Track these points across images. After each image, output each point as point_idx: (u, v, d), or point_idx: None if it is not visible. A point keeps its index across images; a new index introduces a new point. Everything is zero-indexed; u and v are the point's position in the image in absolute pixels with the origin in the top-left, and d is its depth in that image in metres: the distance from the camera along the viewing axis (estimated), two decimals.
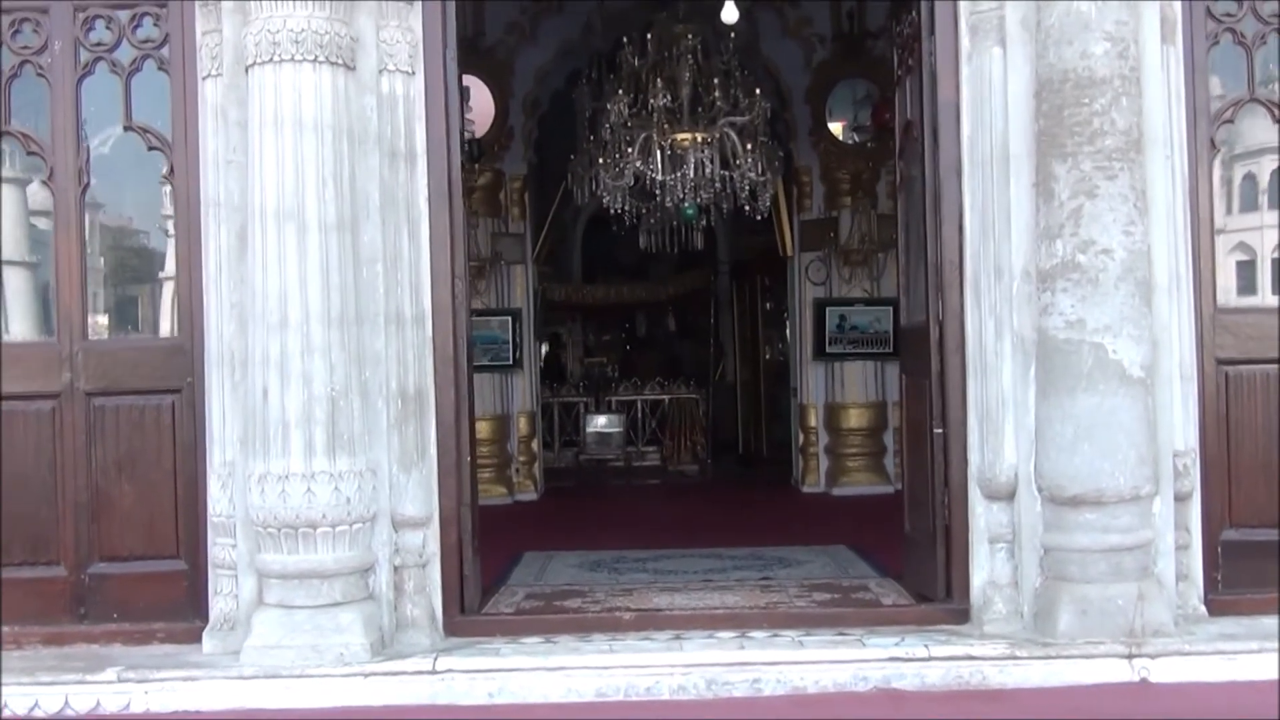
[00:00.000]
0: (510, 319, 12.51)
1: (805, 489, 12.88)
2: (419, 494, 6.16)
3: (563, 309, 19.01)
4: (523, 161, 12.77)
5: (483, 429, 12.37)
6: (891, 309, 12.53)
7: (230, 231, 6.08)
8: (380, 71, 6.15)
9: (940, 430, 6.38)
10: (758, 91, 8.72)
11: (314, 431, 5.75)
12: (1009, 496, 6.12)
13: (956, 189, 6.30)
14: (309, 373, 5.75)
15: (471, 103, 12.22)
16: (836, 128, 12.41)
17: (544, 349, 20.41)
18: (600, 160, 8.83)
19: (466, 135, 11.31)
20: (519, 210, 12.79)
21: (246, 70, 5.93)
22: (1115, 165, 5.78)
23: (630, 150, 8.38)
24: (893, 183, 12.94)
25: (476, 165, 9.99)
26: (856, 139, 12.30)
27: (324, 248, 5.81)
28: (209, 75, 6.16)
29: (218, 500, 6.11)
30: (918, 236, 6.79)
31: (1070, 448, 5.77)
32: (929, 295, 6.46)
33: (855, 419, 12.60)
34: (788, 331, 15.79)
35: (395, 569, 6.13)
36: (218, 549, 6.12)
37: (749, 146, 8.44)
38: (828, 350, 12.63)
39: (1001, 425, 6.11)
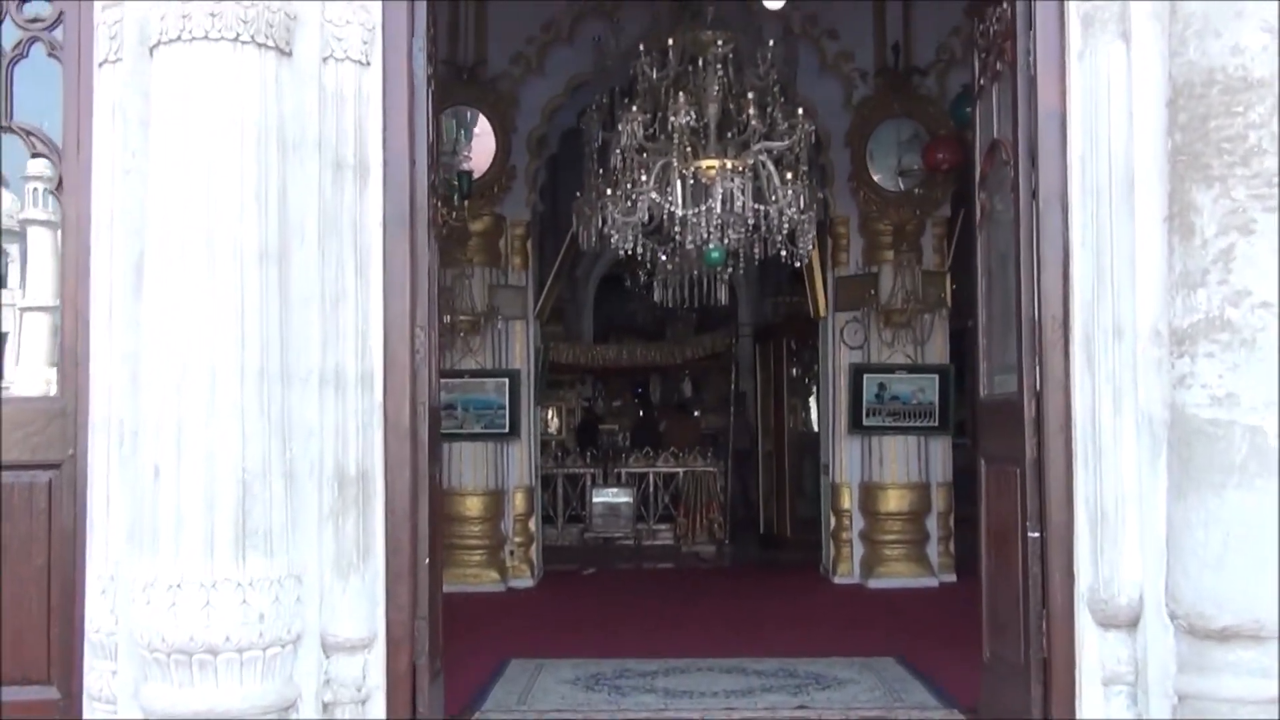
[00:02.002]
0: (507, 381, 11.10)
1: (837, 579, 11.37)
2: (359, 607, 4.74)
3: (570, 371, 17.59)
4: (526, 206, 11.42)
5: (473, 506, 11.00)
6: (938, 377, 11.16)
7: (126, 261, 4.71)
8: (325, 59, 4.82)
9: (1037, 534, 4.95)
10: (800, 112, 7.31)
11: (217, 524, 4.34)
12: (1131, 625, 4.68)
13: (1061, 224, 4.91)
14: (213, 446, 4.35)
15: (475, 136, 11.04)
16: (879, 174, 11.04)
17: (579, 416, 19.14)
18: (609, 192, 7.43)
19: (458, 163, 10.10)
20: (521, 260, 11.42)
21: (151, 52, 4.58)
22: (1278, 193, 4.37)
23: (645, 179, 6.98)
24: (942, 235, 11.76)
25: (466, 202, 8.65)
26: (902, 185, 10.92)
27: (242, 283, 4.44)
28: (106, 60, 4.84)
29: (98, 612, 4.71)
30: (1002, 285, 5.42)
31: (1217, 562, 4.30)
32: (1022, 360, 5.05)
33: (895, 501, 11.13)
34: (817, 401, 14.40)
35: (325, 707, 4.68)
36: (94, 676, 4.69)
37: (789, 176, 7.02)
38: (865, 423, 11.19)
39: (1121, 530, 4.68)
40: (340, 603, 4.69)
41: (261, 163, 4.51)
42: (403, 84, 4.97)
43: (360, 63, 4.86)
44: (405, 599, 4.86)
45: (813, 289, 11.76)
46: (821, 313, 11.70)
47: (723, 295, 9.41)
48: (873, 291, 11.07)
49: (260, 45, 4.53)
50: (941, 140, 10.30)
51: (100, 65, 4.85)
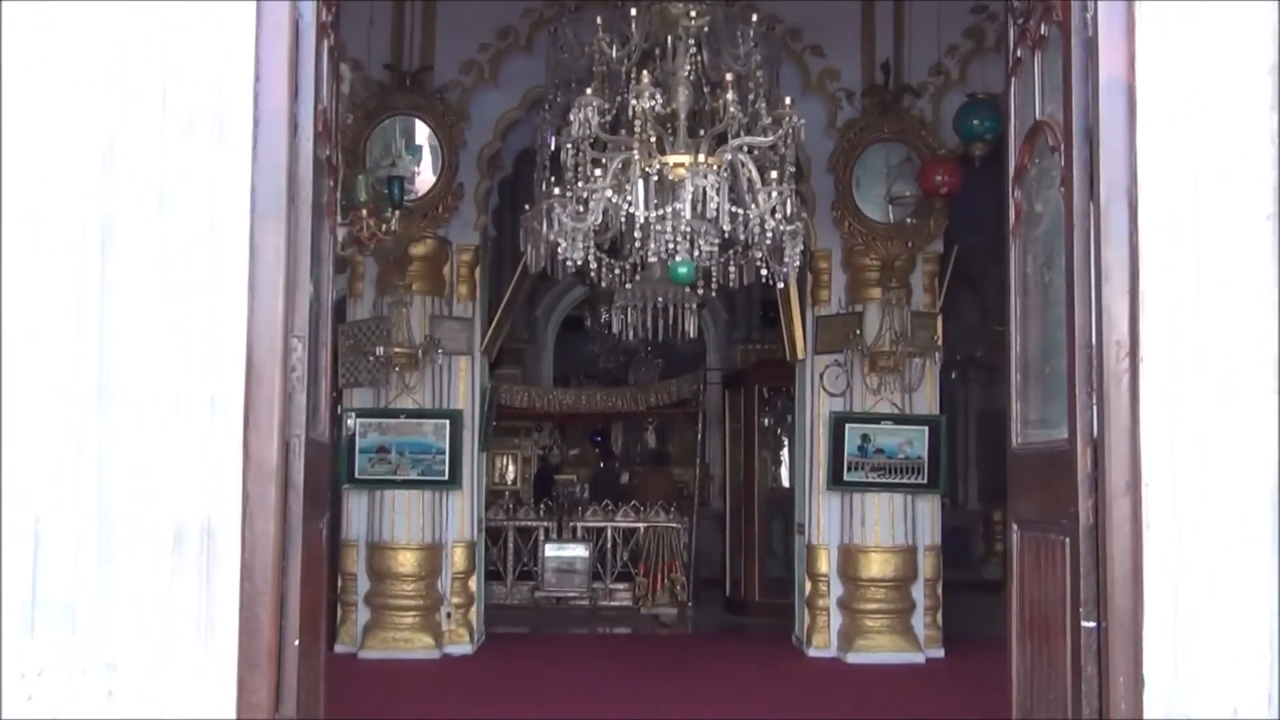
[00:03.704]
0: (448, 423, 9.89)
1: (812, 651, 10.18)
2: (198, 705, 3.54)
3: (526, 417, 16.40)
4: (474, 229, 10.30)
5: (405, 562, 9.79)
6: (927, 429, 10.06)
7: None
8: None
9: (1094, 624, 3.80)
10: (789, 101, 6.16)
11: None
12: None
13: (1128, 223, 3.80)
14: None
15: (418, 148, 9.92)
16: (866, 203, 9.97)
17: (535, 465, 17.93)
18: (557, 191, 6.24)
19: (392, 171, 8.94)
20: (467, 289, 10.27)
21: None
22: None
23: (599, 174, 5.81)
24: (934, 272, 10.65)
25: (395, 211, 7.50)
26: (892, 215, 9.84)
27: (44, 269, 3.26)
28: None
29: None
30: (1043, 305, 4.31)
31: None
32: (1074, 399, 3.92)
33: (879, 566, 9.97)
34: (789, 452, 13.26)
35: None
36: None
37: (773, 176, 5.87)
38: (845, 478, 10.04)
39: (1212, 624, 3.54)
40: (171, 699, 3.49)
41: (79, 109, 3.36)
42: (283, 25, 3.82)
43: None
44: (263, 696, 3.66)
45: (789, 329, 10.65)
46: (799, 355, 10.58)
47: (691, 328, 8.25)
48: (857, 332, 9.97)
49: None
50: (940, 161, 9.24)
51: None
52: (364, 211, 7.23)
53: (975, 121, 8.80)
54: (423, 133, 9.80)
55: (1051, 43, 4.21)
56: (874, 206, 9.98)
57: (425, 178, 9.78)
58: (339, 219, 7.32)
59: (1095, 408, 3.83)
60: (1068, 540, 3.93)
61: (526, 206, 7.05)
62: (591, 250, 6.14)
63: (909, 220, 9.71)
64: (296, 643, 3.78)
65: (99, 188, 3.45)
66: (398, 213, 7.59)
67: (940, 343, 10.18)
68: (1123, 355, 3.77)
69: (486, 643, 10.65)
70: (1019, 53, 4.49)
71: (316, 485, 4.10)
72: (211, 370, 3.61)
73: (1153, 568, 3.68)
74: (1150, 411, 3.71)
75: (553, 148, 6.70)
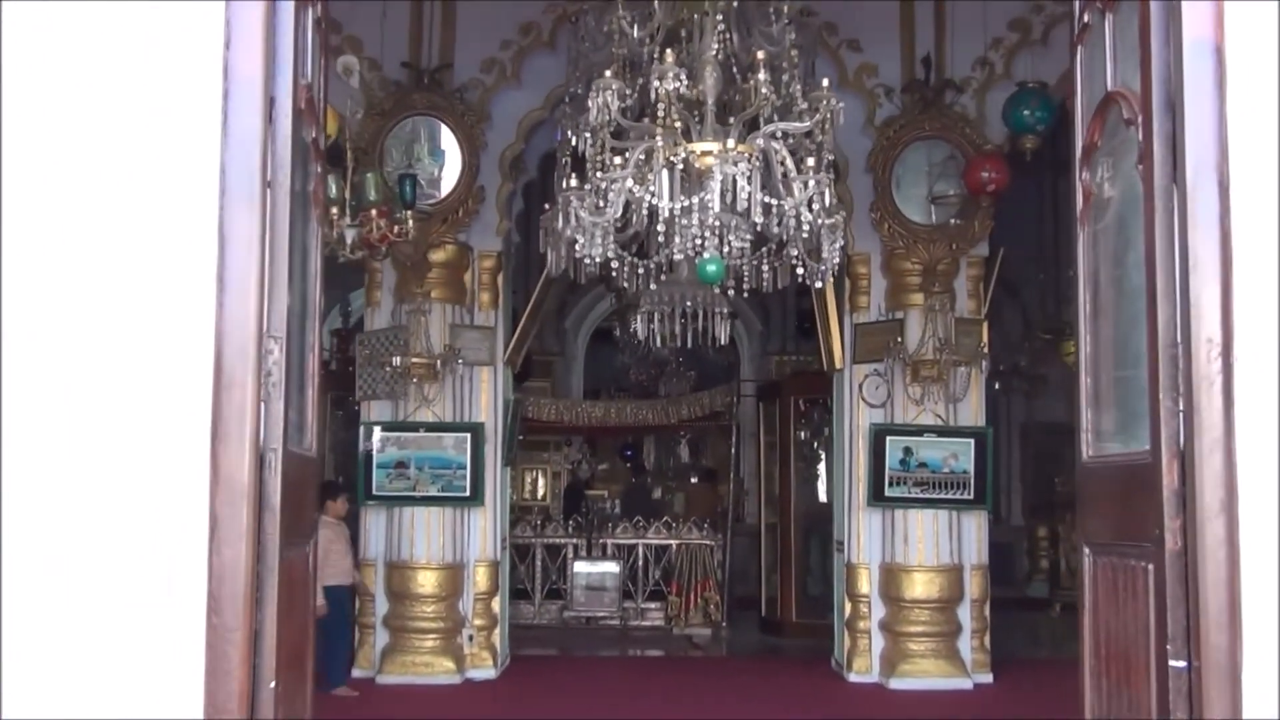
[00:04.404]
0: (469, 437, 9.46)
1: (853, 677, 9.67)
2: None
3: (555, 431, 15.96)
4: (497, 235, 9.90)
5: (425, 582, 9.36)
6: (973, 442, 9.55)
7: None
8: None
9: (1184, 664, 3.30)
10: (826, 83, 5.67)
11: None
12: None
13: (1218, 204, 3.32)
14: None
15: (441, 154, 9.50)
16: (906, 204, 9.49)
17: (564, 480, 17.47)
18: (574, 183, 5.77)
19: (407, 171, 8.48)
20: (489, 296, 9.85)
21: None
22: None
23: (620, 165, 5.34)
24: (978, 277, 10.12)
25: (408, 212, 7.06)
26: (934, 216, 9.36)
27: None
28: None
29: None
30: (1117, 301, 3.83)
31: None
32: (1157, 405, 3.42)
33: (923, 587, 9.46)
34: (828, 467, 12.78)
35: None
36: None
37: (809, 163, 5.37)
38: (887, 493, 9.55)
39: None
40: None
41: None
42: None
43: None
44: None
45: (827, 337, 10.18)
46: (837, 365, 10.11)
47: (723, 335, 7.76)
48: (898, 340, 9.48)
49: None
50: (987, 157, 8.74)
51: None
52: (374, 212, 6.81)
53: (1026, 112, 8.30)
54: (442, 133, 9.39)
55: (1125, 3, 3.73)
56: (915, 207, 9.50)
57: (445, 180, 9.38)
58: (349, 220, 6.92)
59: (1182, 415, 3.34)
60: (1151, 567, 3.43)
61: (546, 206, 6.59)
62: (613, 248, 5.67)
63: (953, 221, 9.21)
64: (273, 685, 3.34)
65: (47, 162, 3.03)
66: (411, 214, 7.15)
67: (986, 350, 9.67)
68: (1214, 355, 3.28)
69: (511, 666, 10.22)
70: (1086, 17, 4.00)
71: (299, 506, 3.66)
72: (173, 374, 3.17)
73: (1253, 599, 3.19)
74: (1247, 419, 3.22)
75: (573, 142, 6.24)
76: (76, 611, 3.05)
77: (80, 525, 3.06)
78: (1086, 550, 3.92)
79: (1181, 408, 3.34)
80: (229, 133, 3.32)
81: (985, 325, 9.82)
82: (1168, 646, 3.33)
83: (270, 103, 3.42)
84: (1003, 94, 9.32)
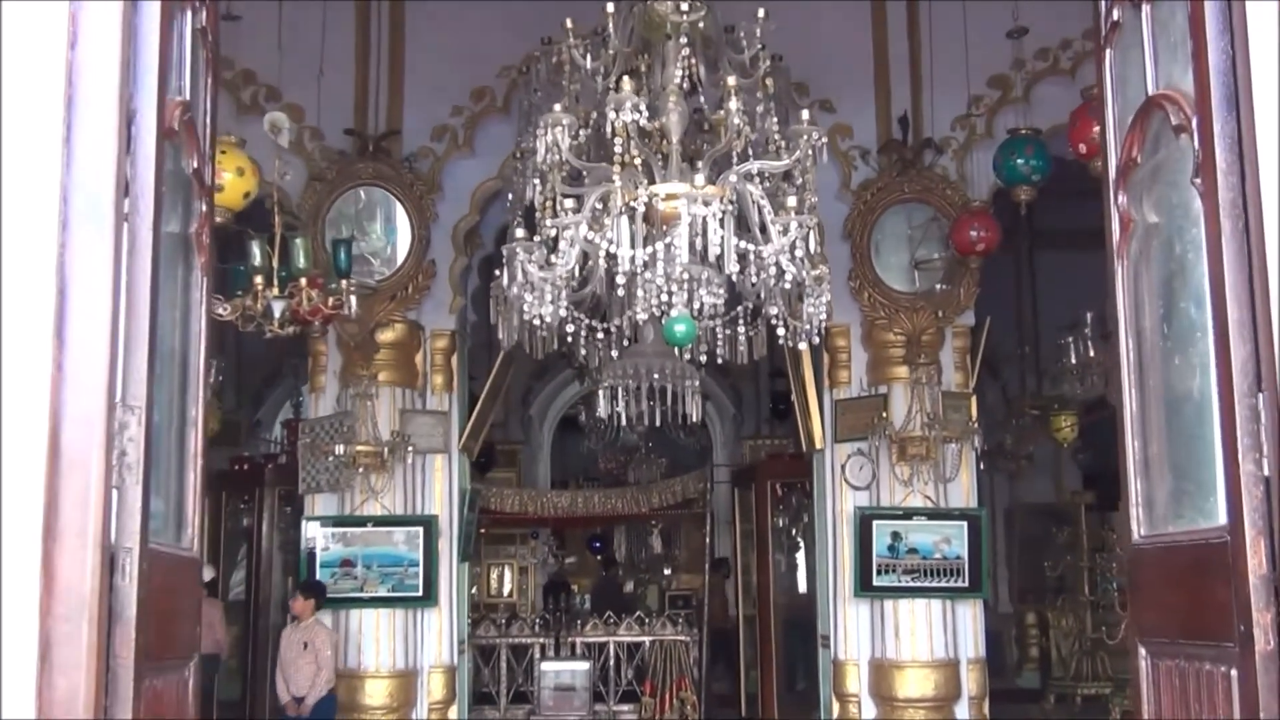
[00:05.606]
0: (422, 531, 8.70)
1: None
2: None
3: (517, 523, 15.18)
4: (450, 313, 9.22)
5: (374, 693, 8.57)
6: (966, 525, 8.84)
7: None
8: None
9: None
10: (806, 115, 5.02)
11: None
12: None
13: None
14: None
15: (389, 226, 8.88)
16: (887, 271, 8.90)
17: (539, 575, 16.71)
18: (521, 234, 5.07)
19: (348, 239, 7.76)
20: (443, 379, 9.15)
21: None
22: None
23: (573, 210, 4.67)
24: (964, 348, 9.45)
25: (348, 284, 6.34)
26: (918, 282, 8.76)
27: None
28: None
29: None
30: (1162, 343, 3.18)
31: None
32: (1236, 470, 2.76)
33: (917, 684, 8.70)
34: (806, 555, 12.07)
35: None
36: None
37: (791, 203, 4.72)
38: (875, 582, 8.82)
39: None
40: None
41: None
42: None
43: None
44: None
45: (805, 415, 9.49)
46: (817, 445, 9.41)
47: (694, 412, 7.07)
48: (883, 415, 8.82)
49: None
50: (974, 214, 8.13)
51: None
52: (303, 281, 6.14)
53: (1020, 161, 7.70)
54: (389, 205, 8.76)
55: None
56: (896, 275, 8.90)
57: (394, 254, 8.73)
58: (277, 291, 6.25)
59: (1268, 481, 2.68)
60: (1235, 672, 2.75)
61: (496, 272, 5.93)
62: (565, 307, 4.98)
63: (939, 287, 8.60)
64: None
65: None
66: (351, 286, 6.48)
67: (977, 426, 9.02)
68: None
69: None
70: (1117, 14, 3.40)
71: (170, 618, 2.94)
72: None
73: None
74: None
75: (525, 196, 5.58)
76: None
77: None
78: (1143, 650, 3.23)
79: (1268, 472, 2.68)
80: (72, 150, 2.65)
81: (974, 399, 9.18)
82: None
83: (129, 118, 2.76)
84: (985, 154, 8.78)
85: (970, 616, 9.03)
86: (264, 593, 11.87)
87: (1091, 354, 10.32)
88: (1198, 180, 2.91)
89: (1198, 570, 2.94)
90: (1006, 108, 9.06)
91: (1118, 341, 3.38)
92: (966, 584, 8.86)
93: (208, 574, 10.76)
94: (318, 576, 8.65)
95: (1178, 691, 3.03)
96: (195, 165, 3.23)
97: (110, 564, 2.62)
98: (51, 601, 2.51)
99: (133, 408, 2.71)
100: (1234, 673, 2.76)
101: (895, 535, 8.81)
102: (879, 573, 8.80)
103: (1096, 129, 6.07)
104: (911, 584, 8.79)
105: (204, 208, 3.29)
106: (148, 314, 2.78)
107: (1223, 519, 2.81)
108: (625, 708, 12.44)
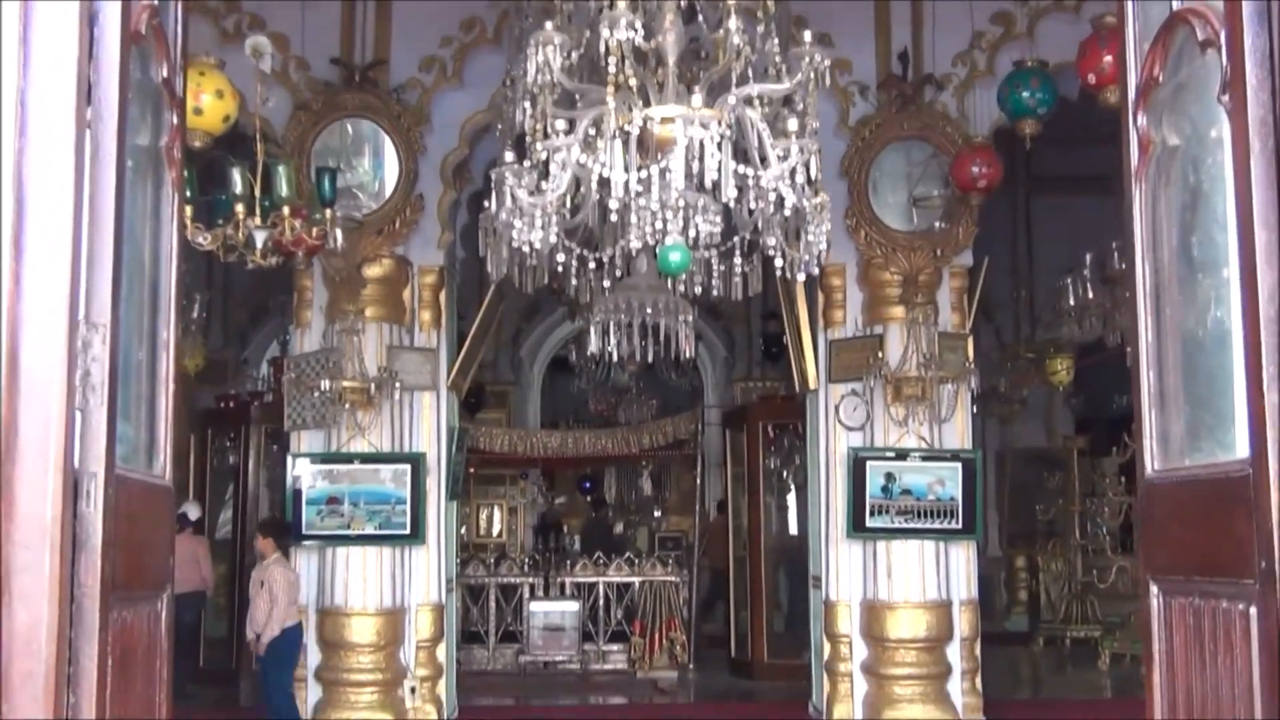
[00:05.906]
0: (409, 469, 8.58)
1: None
2: None
3: (507, 463, 15.08)
4: (438, 248, 9.04)
5: (361, 630, 8.47)
6: (961, 466, 8.76)
7: None
8: None
9: None
10: (807, 37, 4.82)
11: None
12: None
13: None
14: None
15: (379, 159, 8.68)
16: (884, 210, 8.74)
17: (531, 515, 16.67)
18: (511, 159, 4.91)
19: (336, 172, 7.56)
20: (431, 315, 8.98)
21: None
22: None
23: (565, 132, 4.49)
24: (961, 289, 9.36)
25: (334, 215, 6.18)
26: (916, 220, 8.60)
27: None
28: None
29: None
30: (1184, 271, 3.04)
31: None
32: (1260, 400, 2.63)
33: (909, 625, 8.64)
34: (797, 497, 12.02)
35: None
36: None
37: (792, 127, 4.55)
38: (868, 523, 8.73)
39: None
40: None
41: None
42: None
43: None
44: None
45: (798, 356, 9.38)
46: (810, 385, 9.29)
47: (686, 348, 6.91)
48: (879, 355, 8.69)
49: None
50: (976, 150, 7.96)
51: None
52: (286, 210, 5.96)
53: (1025, 94, 7.54)
54: (376, 137, 8.56)
55: None
56: (894, 213, 8.75)
57: (381, 187, 8.55)
58: (259, 220, 6.08)
59: None
60: (1254, 610, 2.63)
61: (485, 204, 5.75)
62: (556, 234, 4.80)
63: (937, 225, 8.45)
64: None
65: None
66: (336, 216, 6.30)
67: (974, 366, 8.89)
68: None
69: (460, 719, 9.31)
70: None
71: (140, 547, 2.80)
72: None
73: None
74: None
75: (515, 120, 5.39)
76: None
77: None
78: (1154, 588, 3.11)
79: None
80: (29, 51, 2.49)
81: (970, 340, 9.05)
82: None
83: (91, 18, 2.60)
84: (986, 91, 8.61)
85: (964, 558, 8.96)
86: (250, 531, 11.76)
87: (1090, 296, 10.17)
88: (1225, 98, 2.76)
89: (1216, 505, 2.81)
90: (1009, 43, 8.85)
91: (1133, 269, 3.23)
92: (960, 526, 8.77)
93: (194, 512, 10.77)
94: (304, 515, 8.53)
95: (1191, 630, 2.92)
96: (165, 74, 3.06)
97: (74, 490, 2.48)
98: (11, 527, 2.38)
99: (97, 325, 2.56)
100: (1253, 610, 2.64)
101: (889, 476, 8.71)
102: (872, 514, 8.71)
103: (1107, 58, 6.06)
104: (905, 525, 8.70)
105: (175, 120, 3.12)
106: (112, 226, 2.63)
107: (1244, 451, 2.69)
108: (614, 647, 12.46)
